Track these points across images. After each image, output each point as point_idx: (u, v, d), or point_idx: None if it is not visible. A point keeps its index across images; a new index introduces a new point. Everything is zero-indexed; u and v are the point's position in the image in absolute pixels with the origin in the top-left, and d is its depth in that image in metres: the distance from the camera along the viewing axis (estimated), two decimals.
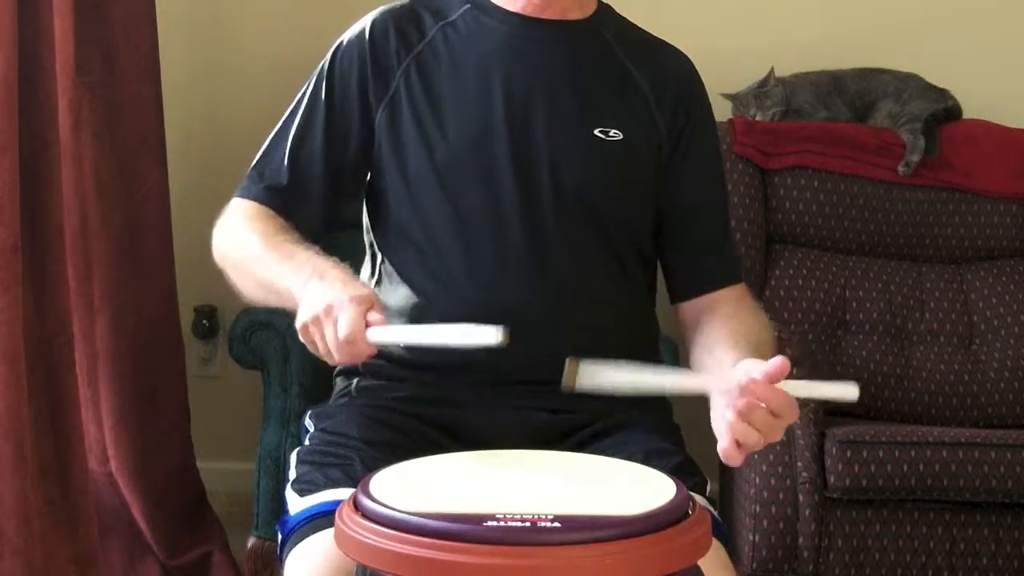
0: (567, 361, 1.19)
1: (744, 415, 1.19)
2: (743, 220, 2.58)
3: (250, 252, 1.45)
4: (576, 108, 1.52)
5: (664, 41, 1.63)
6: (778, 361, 1.19)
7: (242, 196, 1.53)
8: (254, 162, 1.56)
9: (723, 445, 1.21)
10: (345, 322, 1.25)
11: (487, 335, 1.19)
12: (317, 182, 1.52)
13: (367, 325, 1.26)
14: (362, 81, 1.52)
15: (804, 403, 2.24)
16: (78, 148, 2.26)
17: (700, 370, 1.43)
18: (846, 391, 1.20)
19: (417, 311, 1.48)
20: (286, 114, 1.56)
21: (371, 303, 1.28)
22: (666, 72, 1.58)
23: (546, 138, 1.49)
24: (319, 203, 1.53)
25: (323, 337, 1.28)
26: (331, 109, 1.52)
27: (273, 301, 1.42)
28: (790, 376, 1.21)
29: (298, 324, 1.30)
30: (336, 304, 1.27)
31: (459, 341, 1.24)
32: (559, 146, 1.50)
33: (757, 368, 1.21)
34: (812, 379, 1.26)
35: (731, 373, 1.25)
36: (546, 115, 1.50)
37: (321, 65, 1.55)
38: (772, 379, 1.19)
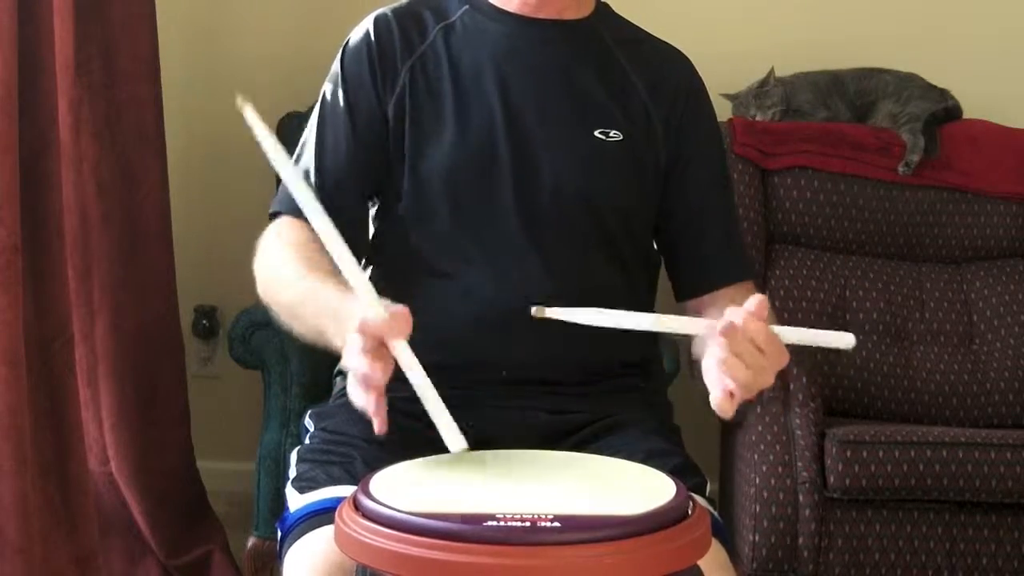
0: (533, 310, 1.19)
1: (727, 334, 1.17)
2: (743, 220, 2.58)
3: (288, 296, 1.38)
4: (574, 109, 1.51)
5: (663, 41, 1.62)
6: (757, 298, 1.18)
7: (277, 211, 1.49)
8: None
9: (715, 394, 1.20)
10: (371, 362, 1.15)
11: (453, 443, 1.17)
12: (348, 184, 1.50)
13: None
14: (373, 78, 1.51)
15: (804, 403, 2.24)
16: (78, 148, 2.26)
17: (701, 358, 1.43)
18: (841, 339, 1.18)
19: (423, 310, 1.47)
20: (309, 126, 1.54)
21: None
22: (663, 73, 1.58)
23: (545, 140, 1.49)
24: (354, 205, 1.51)
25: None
26: (351, 109, 1.51)
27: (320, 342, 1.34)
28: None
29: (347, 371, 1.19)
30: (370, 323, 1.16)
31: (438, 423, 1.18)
32: (559, 148, 1.50)
33: (740, 308, 1.19)
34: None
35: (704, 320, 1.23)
36: (544, 117, 1.50)
37: (333, 70, 1.55)
38: (754, 315, 1.18)
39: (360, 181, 1.52)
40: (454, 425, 1.18)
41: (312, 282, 1.33)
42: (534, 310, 1.20)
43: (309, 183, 1.48)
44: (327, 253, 1.21)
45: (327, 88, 1.55)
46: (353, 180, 1.51)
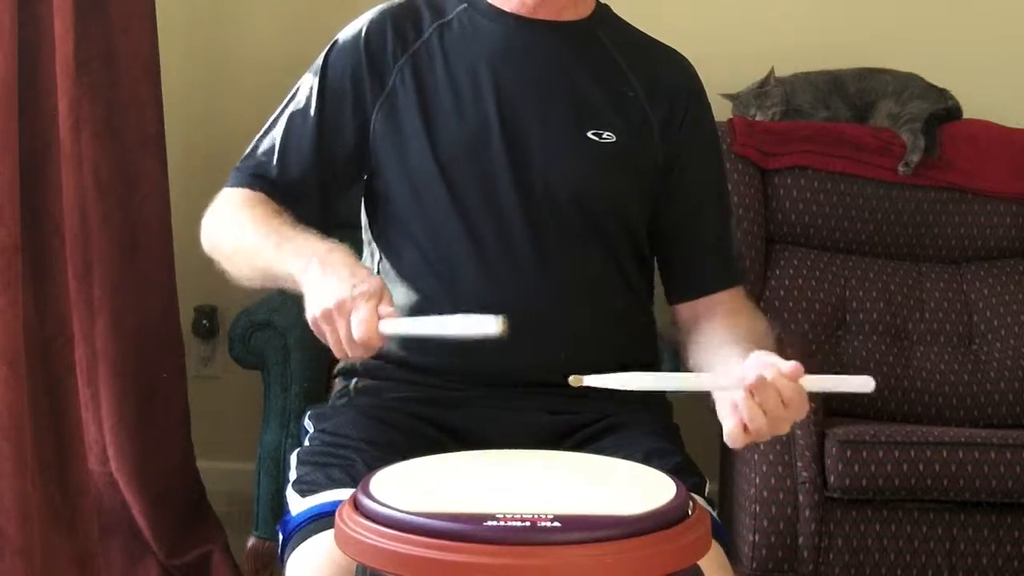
0: (570, 379, 1.21)
1: (756, 389, 1.18)
2: (743, 220, 2.58)
3: (245, 236, 1.43)
4: (569, 110, 1.51)
5: (663, 44, 1.62)
6: (794, 364, 1.20)
7: (232, 186, 1.52)
8: (244, 154, 1.56)
9: (729, 426, 1.21)
10: (359, 321, 1.23)
11: (487, 326, 1.19)
12: (305, 176, 1.51)
13: (379, 318, 1.25)
14: (356, 80, 1.51)
15: None
16: (78, 148, 2.26)
17: (703, 370, 1.44)
18: (863, 384, 1.22)
19: (418, 310, 1.48)
20: (279, 108, 1.56)
21: (380, 295, 1.26)
22: (662, 75, 1.57)
23: (540, 141, 1.49)
24: (310, 197, 1.52)
25: (335, 332, 1.26)
26: (323, 105, 1.52)
27: (269, 284, 1.41)
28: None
29: (308, 317, 1.28)
30: (348, 300, 1.25)
31: (461, 332, 1.23)
32: (552, 148, 1.49)
33: (772, 361, 1.21)
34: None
35: (737, 368, 1.25)
36: (539, 117, 1.50)
37: (316, 61, 1.55)
38: (788, 377, 1.20)
39: (318, 180, 1.52)
40: (475, 316, 1.21)
41: (284, 227, 1.41)
42: (571, 379, 1.21)
43: (271, 168, 1.51)
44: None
45: (306, 79, 1.55)
46: (311, 177, 1.52)
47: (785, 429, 1.22)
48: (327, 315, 1.26)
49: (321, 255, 1.32)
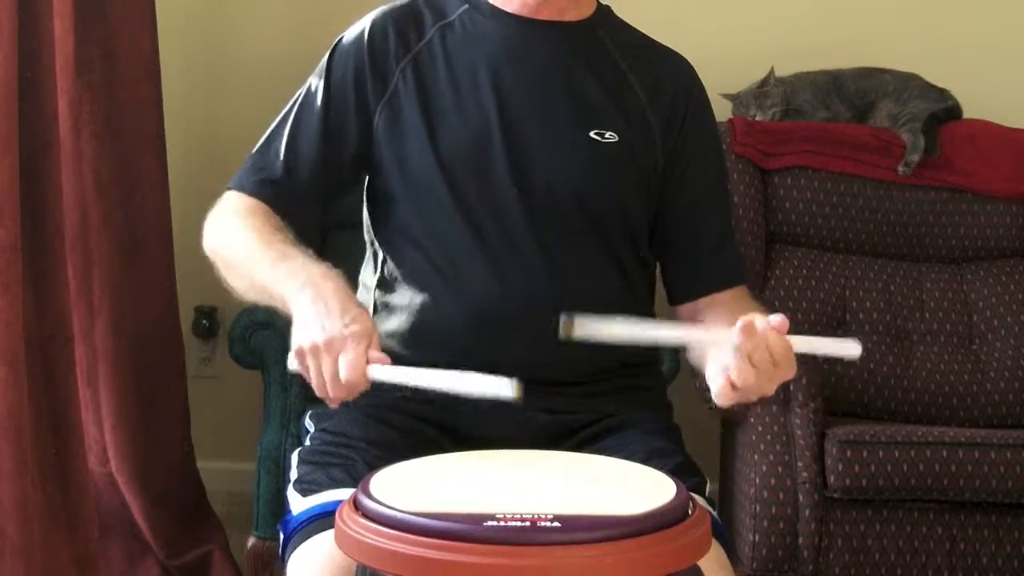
0: (562, 318, 1.20)
1: (745, 331, 1.18)
2: (743, 220, 2.58)
3: (244, 251, 1.43)
4: (571, 110, 1.51)
5: (663, 45, 1.62)
6: (780, 317, 1.20)
7: (236, 188, 1.52)
8: (251, 154, 1.56)
9: (718, 384, 1.22)
10: (346, 363, 1.24)
11: (500, 388, 1.17)
12: (311, 177, 1.52)
13: (367, 362, 1.25)
14: (359, 81, 1.52)
15: (804, 403, 2.24)
16: (78, 148, 2.26)
17: (702, 366, 1.44)
18: (848, 348, 1.20)
19: (422, 309, 1.48)
20: (285, 108, 1.56)
21: (370, 338, 1.27)
22: (662, 76, 1.57)
23: (541, 140, 1.49)
24: (313, 199, 1.52)
25: (319, 371, 1.26)
26: (327, 106, 1.52)
27: (264, 301, 1.41)
28: None
29: (293, 345, 1.28)
30: (337, 339, 1.25)
31: (469, 390, 1.21)
32: (553, 148, 1.50)
33: (760, 317, 1.21)
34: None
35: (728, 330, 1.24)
36: (540, 117, 1.50)
37: (320, 64, 1.56)
38: (776, 329, 1.20)
39: (324, 181, 1.52)
40: (490, 378, 1.18)
41: (282, 244, 1.41)
42: (563, 322, 1.20)
43: (277, 169, 1.51)
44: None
45: (311, 81, 1.55)
46: (317, 178, 1.52)
47: (771, 389, 1.22)
48: (315, 350, 1.26)
49: (315, 281, 1.32)
